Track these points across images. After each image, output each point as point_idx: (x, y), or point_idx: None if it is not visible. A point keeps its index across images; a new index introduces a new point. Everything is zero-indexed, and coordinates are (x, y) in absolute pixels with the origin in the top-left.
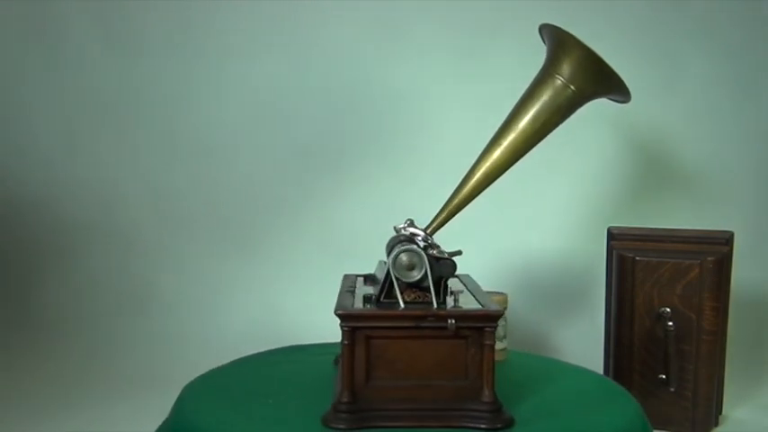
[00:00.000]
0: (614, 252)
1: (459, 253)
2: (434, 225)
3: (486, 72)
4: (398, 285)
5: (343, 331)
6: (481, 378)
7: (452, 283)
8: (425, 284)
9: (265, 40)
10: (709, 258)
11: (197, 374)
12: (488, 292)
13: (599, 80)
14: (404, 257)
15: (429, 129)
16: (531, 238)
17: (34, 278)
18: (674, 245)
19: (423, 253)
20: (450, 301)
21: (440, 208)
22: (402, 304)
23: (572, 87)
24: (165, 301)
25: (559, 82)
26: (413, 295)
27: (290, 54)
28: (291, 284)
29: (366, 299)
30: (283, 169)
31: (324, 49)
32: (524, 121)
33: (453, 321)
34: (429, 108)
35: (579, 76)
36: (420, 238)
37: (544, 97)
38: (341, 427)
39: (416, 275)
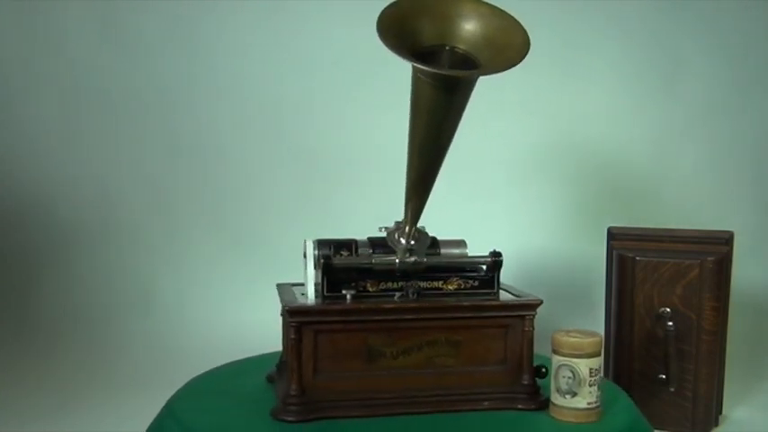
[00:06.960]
0: (614, 252)
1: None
2: (406, 228)
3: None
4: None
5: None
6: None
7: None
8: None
9: (265, 41)
10: (710, 258)
11: (196, 375)
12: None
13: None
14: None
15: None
16: (531, 239)
17: (33, 278)
18: (674, 245)
19: (310, 248)
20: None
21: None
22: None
23: (429, 81)
24: (165, 301)
25: (420, 78)
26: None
27: (290, 54)
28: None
29: None
30: (284, 169)
31: (323, 49)
32: (420, 125)
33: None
34: None
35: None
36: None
37: (422, 96)
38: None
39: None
